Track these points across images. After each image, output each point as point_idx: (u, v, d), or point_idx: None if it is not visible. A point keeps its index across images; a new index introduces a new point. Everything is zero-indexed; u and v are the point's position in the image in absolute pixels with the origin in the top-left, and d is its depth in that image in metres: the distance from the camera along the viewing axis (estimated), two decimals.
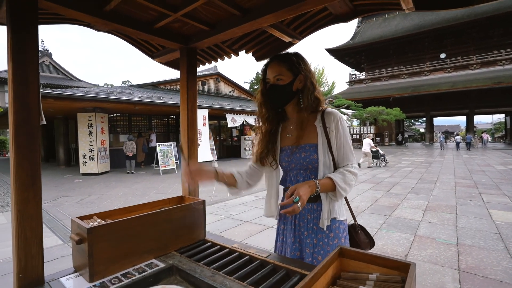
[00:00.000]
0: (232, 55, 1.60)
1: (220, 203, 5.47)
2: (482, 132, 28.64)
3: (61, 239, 3.63)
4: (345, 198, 1.17)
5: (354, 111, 24.02)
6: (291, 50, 1.41)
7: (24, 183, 0.84)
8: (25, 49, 0.86)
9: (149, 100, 10.36)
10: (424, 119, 31.66)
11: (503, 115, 32.41)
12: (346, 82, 32.89)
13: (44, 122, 1.02)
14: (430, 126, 30.05)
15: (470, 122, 26.57)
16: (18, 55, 0.85)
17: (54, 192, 6.81)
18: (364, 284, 0.64)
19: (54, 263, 2.87)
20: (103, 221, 1.02)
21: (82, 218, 1.02)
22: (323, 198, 1.06)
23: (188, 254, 1.08)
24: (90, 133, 9.85)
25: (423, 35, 26.65)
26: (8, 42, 0.85)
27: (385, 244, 3.27)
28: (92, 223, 0.98)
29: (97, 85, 30.11)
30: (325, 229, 1.06)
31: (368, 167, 11.19)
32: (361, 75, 32.58)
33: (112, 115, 12.26)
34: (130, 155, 10.08)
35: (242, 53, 1.59)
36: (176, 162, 10.33)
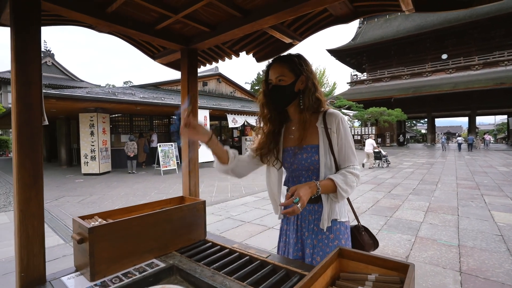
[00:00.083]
0: (233, 56, 1.61)
1: (221, 204, 5.47)
2: (484, 133, 28.50)
3: (63, 238, 3.64)
4: (348, 200, 1.16)
5: (355, 112, 23.99)
6: (292, 51, 1.42)
7: (27, 183, 0.85)
8: (28, 50, 0.87)
9: (150, 100, 10.39)
10: (426, 120, 31.58)
11: (505, 116, 32.28)
12: (347, 83, 32.87)
13: (46, 122, 1.03)
14: (431, 127, 29.98)
15: (472, 123, 26.49)
16: (21, 56, 0.86)
17: (56, 192, 6.84)
18: (363, 284, 0.64)
19: (55, 263, 2.88)
20: (104, 221, 1.03)
21: (83, 217, 1.03)
22: (324, 200, 1.06)
23: (189, 254, 1.09)
24: (92, 133, 9.88)
25: (425, 36, 26.61)
26: (12, 43, 0.86)
27: (386, 245, 3.27)
28: (93, 223, 0.99)
29: (99, 86, 30.25)
30: (325, 230, 1.06)
31: (369, 168, 11.17)
32: (363, 76, 32.55)
33: (114, 116, 12.30)
34: (132, 155, 10.11)
35: (242, 54, 1.60)
36: (177, 163, 10.35)
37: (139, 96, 10.61)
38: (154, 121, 14.14)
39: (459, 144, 22.82)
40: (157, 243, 1.06)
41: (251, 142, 15.80)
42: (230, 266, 0.97)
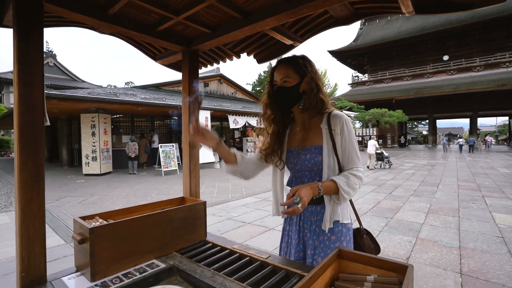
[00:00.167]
0: (234, 58, 1.62)
1: (222, 205, 5.47)
2: (486, 135, 28.43)
3: (64, 239, 3.65)
4: (350, 201, 1.16)
5: (356, 113, 23.98)
6: (294, 52, 1.42)
7: (28, 183, 0.86)
8: (30, 51, 0.88)
9: (151, 101, 10.42)
10: (427, 121, 31.53)
11: (507, 118, 32.18)
12: (349, 84, 32.87)
13: (48, 123, 1.03)
14: (433, 128, 29.92)
15: (473, 124, 26.42)
16: (24, 57, 0.87)
17: (57, 192, 6.86)
18: (361, 285, 0.65)
19: (56, 263, 2.89)
20: (105, 221, 1.03)
21: (84, 218, 1.03)
22: (326, 201, 1.06)
23: (189, 254, 1.09)
24: (93, 134, 9.91)
25: (426, 37, 26.60)
26: (14, 45, 0.86)
27: (387, 247, 3.26)
28: (94, 223, 0.99)
29: (100, 86, 30.36)
30: (326, 232, 1.06)
31: (370, 169, 11.15)
32: (364, 77, 32.54)
33: (115, 116, 12.34)
34: (133, 156, 10.13)
35: (243, 55, 1.60)
36: (178, 163, 10.36)
37: (140, 97, 10.64)
38: (155, 122, 14.17)
39: (460, 146, 22.76)
40: (158, 244, 1.06)
41: (252, 143, 15.81)
42: (230, 267, 0.97)
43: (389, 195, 6.21)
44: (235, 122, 13.22)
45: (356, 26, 35.97)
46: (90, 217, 1.07)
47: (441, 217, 4.43)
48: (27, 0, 0.87)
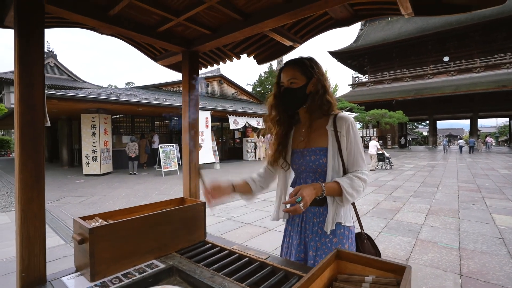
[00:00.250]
0: (234, 59, 1.62)
1: (222, 205, 5.47)
2: (486, 136, 28.43)
3: (63, 239, 3.65)
4: (353, 205, 1.15)
5: (356, 114, 23.98)
6: (294, 53, 1.43)
7: (28, 183, 0.86)
8: (31, 52, 0.88)
9: (152, 101, 10.42)
10: (427, 122, 31.52)
11: (507, 119, 32.17)
12: (349, 85, 32.88)
13: (48, 123, 1.04)
14: (433, 129, 29.91)
15: (473, 125, 26.42)
16: (25, 57, 0.87)
17: (57, 192, 6.86)
18: (360, 286, 0.65)
19: (56, 263, 2.89)
20: (105, 222, 1.04)
21: (84, 218, 1.03)
22: (329, 202, 1.06)
23: (188, 255, 1.09)
24: (93, 134, 9.92)
25: (426, 38, 26.63)
26: (15, 45, 0.87)
27: (386, 248, 3.26)
28: (94, 224, 1.00)
29: (101, 86, 30.39)
30: (328, 233, 1.06)
31: (370, 170, 11.14)
32: (364, 78, 32.56)
33: (115, 116, 12.34)
34: (133, 156, 10.13)
35: (243, 56, 1.61)
36: (178, 164, 10.36)
37: (140, 97, 10.65)
38: (155, 122, 14.19)
39: (460, 147, 22.77)
40: (157, 244, 1.07)
41: (252, 144, 15.82)
42: (230, 267, 0.97)
43: (389, 196, 6.21)
44: (235, 123, 13.22)
45: (356, 27, 36.05)
46: (90, 217, 1.07)
47: (441, 218, 4.43)
48: (28, 1, 0.88)
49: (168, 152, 10.17)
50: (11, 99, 25.22)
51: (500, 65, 23.54)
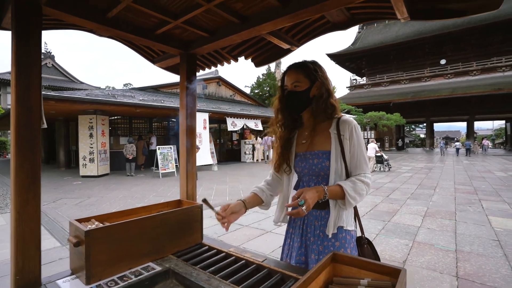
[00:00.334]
0: (232, 61, 1.63)
1: (219, 207, 5.46)
2: (483, 138, 28.65)
3: (59, 241, 3.62)
4: (355, 209, 1.15)
5: (354, 116, 24.08)
6: (291, 56, 1.43)
7: (24, 185, 0.86)
8: (28, 53, 0.88)
9: (150, 103, 10.40)
10: (425, 124, 31.71)
11: (503, 121, 32.45)
12: (347, 87, 33.03)
13: (45, 125, 1.03)
14: (430, 131, 30.08)
15: (470, 128, 26.60)
16: (22, 59, 0.87)
17: (54, 194, 6.81)
18: None
19: (51, 266, 2.87)
20: (101, 224, 1.03)
21: (80, 220, 1.03)
22: (332, 206, 1.06)
23: (185, 257, 1.09)
24: (91, 135, 9.87)
25: (423, 41, 26.86)
26: (13, 47, 0.87)
27: (383, 250, 3.26)
28: (90, 226, 0.99)
29: (99, 88, 30.28)
30: (330, 237, 1.06)
31: None
32: (362, 80, 32.74)
33: (113, 118, 12.30)
34: (130, 158, 10.09)
35: (241, 58, 1.61)
36: (176, 166, 10.33)
37: (138, 99, 10.62)
38: (153, 124, 14.16)
39: (457, 149, 22.95)
40: (154, 247, 1.06)
41: (250, 146, 15.82)
42: (226, 270, 0.97)
43: (386, 198, 6.23)
44: (233, 125, 13.22)
45: (354, 29, 36.25)
46: (86, 220, 1.07)
47: (437, 220, 4.45)
48: (26, 3, 0.88)
49: (165, 154, 10.14)
50: (8, 100, 25.08)
51: (496, 68, 23.78)
